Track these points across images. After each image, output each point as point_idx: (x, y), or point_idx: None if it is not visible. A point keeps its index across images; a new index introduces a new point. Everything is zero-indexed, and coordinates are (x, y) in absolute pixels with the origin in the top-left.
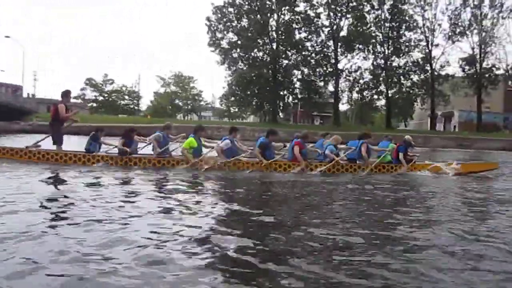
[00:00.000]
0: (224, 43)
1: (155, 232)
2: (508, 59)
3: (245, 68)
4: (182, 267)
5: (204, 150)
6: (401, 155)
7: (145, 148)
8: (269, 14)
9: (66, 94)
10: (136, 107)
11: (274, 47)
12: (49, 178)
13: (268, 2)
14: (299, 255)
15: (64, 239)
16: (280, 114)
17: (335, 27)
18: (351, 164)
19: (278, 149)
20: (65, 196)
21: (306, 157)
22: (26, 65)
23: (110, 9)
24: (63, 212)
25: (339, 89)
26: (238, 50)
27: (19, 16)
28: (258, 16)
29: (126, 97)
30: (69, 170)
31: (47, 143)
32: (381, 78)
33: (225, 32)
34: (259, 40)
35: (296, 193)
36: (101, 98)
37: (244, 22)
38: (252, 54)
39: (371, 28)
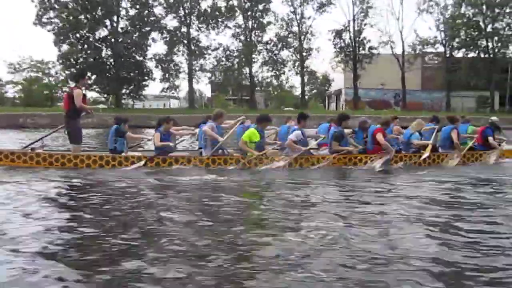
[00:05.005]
0: (58, 21)
1: None
2: (390, 31)
3: (74, 49)
4: None
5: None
6: (490, 139)
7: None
8: None
9: (82, 75)
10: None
11: (117, 25)
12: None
13: None
14: None
15: None
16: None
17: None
18: (438, 154)
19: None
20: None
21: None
22: None
23: None
24: None
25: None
26: (70, 28)
27: None
28: None
29: None
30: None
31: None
32: (243, 56)
33: (56, 10)
34: (91, 16)
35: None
36: None
37: None
38: (90, 33)
39: (232, 2)
